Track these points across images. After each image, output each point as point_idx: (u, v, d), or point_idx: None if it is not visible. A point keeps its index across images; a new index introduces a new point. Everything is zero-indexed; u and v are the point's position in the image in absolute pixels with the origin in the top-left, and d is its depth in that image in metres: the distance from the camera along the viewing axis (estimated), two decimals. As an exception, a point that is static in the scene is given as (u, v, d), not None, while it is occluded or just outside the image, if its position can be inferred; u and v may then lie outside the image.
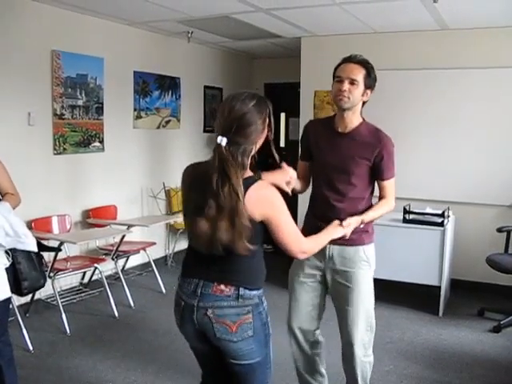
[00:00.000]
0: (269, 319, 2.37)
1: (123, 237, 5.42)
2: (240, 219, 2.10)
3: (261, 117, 2.20)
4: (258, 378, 2.37)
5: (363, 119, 3.13)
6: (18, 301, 4.41)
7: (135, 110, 6.45)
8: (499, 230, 5.27)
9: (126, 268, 6.20)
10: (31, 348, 4.30)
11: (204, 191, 2.16)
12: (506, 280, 5.49)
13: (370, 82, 3.01)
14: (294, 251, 2.34)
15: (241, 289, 2.25)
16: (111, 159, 6.06)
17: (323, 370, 3.39)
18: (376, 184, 3.16)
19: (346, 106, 2.98)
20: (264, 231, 2.25)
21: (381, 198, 3.10)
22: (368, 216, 2.94)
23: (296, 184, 2.96)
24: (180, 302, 2.34)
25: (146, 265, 6.24)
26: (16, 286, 3.04)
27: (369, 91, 3.04)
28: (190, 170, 2.32)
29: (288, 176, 2.76)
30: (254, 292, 2.29)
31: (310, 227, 2.84)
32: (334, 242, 2.83)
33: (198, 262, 2.32)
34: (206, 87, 7.78)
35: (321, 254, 2.94)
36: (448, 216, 5.26)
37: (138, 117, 6.50)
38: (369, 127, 3.11)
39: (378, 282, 5.36)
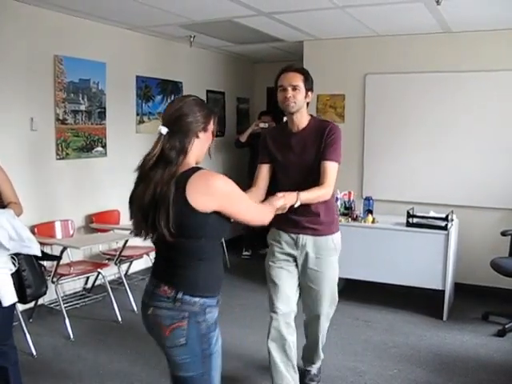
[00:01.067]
0: (213, 335, 2.30)
1: (126, 241, 5.41)
2: (166, 205, 2.10)
3: (200, 111, 2.28)
4: None
5: (311, 116, 3.48)
6: (21, 306, 4.39)
7: (138, 114, 6.45)
8: (503, 234, 5.24)
9: (129, 273, 6.19)
10: (35, 353, 4.30)
11: (146, 180, 2.21)
12: (510, 284, 5.46)
13: (309, 85, 3.35)
14: (259, 223, 2.45)
15: (179, 292, 2.22)
16: (114, 164, 6.06)
17: (296, 365, 3.55)
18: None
19: (293, 110, 3.32)
20: (217, 228, 2.25)
21: (319, 184, 3.27)
22: (303, 194, 3.07)
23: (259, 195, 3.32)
24: (142, 298, 2.38)
25: (149, 269, 6.16)
26: (20, 293, 3.06)
27: (310, 93, 3.37)
28: (140, 163, 2.31)
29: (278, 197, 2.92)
30: (196, 299, 2.23)
31: (277, 219, 2.99)
32: (305, 232, 3.41)
33: (158, 262, 2.40)
34: (208, 91, 7.78)
35: (293, 243, 3.46)
36: (452, 220, 5.24)
37: (141, 121, 6.50)
38: (315, 121, 3.47)
39: (381, 286, 5.39)
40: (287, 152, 3.41)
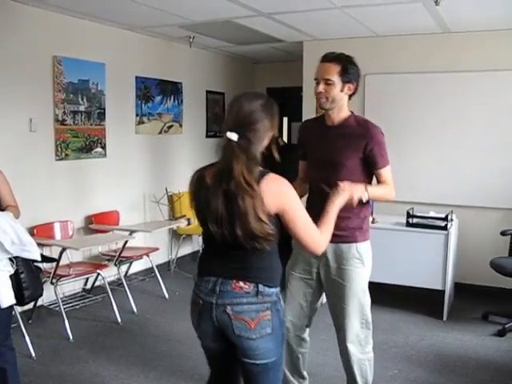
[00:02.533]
0: (284, 320, 2.41)
1: (126, 242, 5.41)
2: (257, 212, 2.14)
3: (267, 115, 2.26)
4: (271, 379, 2.38)
5: (352, 112, 3.17)
6: (20, 307, 4.40)
7: (137, 115, 6.45)
8: (503, 234, 5.24)
9: (128, 274, 6.19)
10: (34, 354, 4.29)
11: (218, 188, 2.20)
12: (510, 283, 5.46)
13: (349, 77, 2.99)
14: (310, 243, 2.34)
15: (260, 285, 2.27)
16: (113, 165, 6.06)
17: (305, 373, 3.46)
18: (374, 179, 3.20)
19: (326, 106, 3.05)
20: (278, 226, 2.27)
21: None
22: (372, 188, 2.93)
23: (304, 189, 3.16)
24: (198, 301, 2.35)
25: (149, 270, 6.22)
26: (18, 295, 3.06)
27: (350, 85, 3.02)
28: (200, 172, 2.34)
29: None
30: (273, 289, 2.31)
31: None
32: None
33: (216, 260, 2.35)
34: (208, 92, 7.78)
35: None
36: (451, 219, 5.24)
37: (140, 122, 6.50)
38: (357, 119, 3.16)
39: (381, 286, 5.38)
40: (319, 147, 3.15)
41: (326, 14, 5.25)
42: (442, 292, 5.15)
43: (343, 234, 3.03)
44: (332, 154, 3.08)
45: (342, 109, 3.09)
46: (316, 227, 2.37)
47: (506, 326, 4.83)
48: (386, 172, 3.11)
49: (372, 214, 5.43)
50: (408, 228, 5.26)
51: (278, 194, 2.21)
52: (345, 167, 3.05)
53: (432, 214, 5.30)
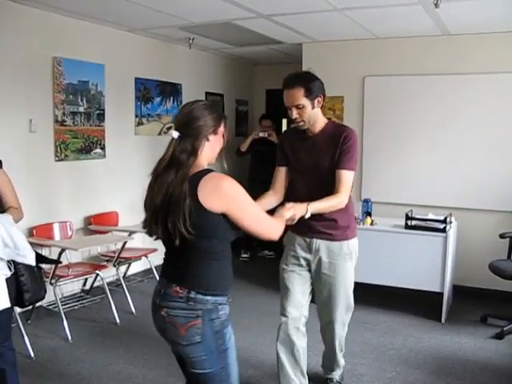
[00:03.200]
0: (226, 331, 2.36)
1: (125, 243, 5.41)
2: (181, 205, 2.16)
3: (209, 114, 2.33)
4: None
5: (329, 119, 3.38)
6: (19, 308, 4.39)
7: (136, 116, 6.45)
8: (502, 236, 5.25)
9: (127, 275, 6.19)
10: (32, 355, 4.29)
11: (159, 183, 2.27)
12: (508, 286, 5.47)
13: (315, 93, 3.18)
14: (265, 233, 2.41)
15: (192, 292, 2.27)
16: (113, 166, 6.06)
17: (305, 370, 3.54)
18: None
19: (305, 127, 3.27)
20: (228, 229, 2.28)
21: (334, 192, 3.19)
22: (313, 205, 3.00)
23: (273, 201, 3.30)
24: (152, 300, 2.41)
25: (148, 271, 6.22)
26: (18, 298, 3.06)
27: (318, 99, 3.22)
28: (154, 168, 2.37)
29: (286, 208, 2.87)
30: (209, 297, 2.28)
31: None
32: (319, 236, 3.33)
33: (168, 263, 2.42)
34: (207, 93, 7.78)
35: (307, 246, 3.39)
36: (450, 222, 5.24)
37: (140, 123, 6.50)
38: (334, 124, 3.39)
39: (379, 288, 5.39)
40: (300, 155, 3.34)
41: (326, 16, 5.25)
42: (441, 294, 5.15)
43: (334, 233, 3.33)
44: (313, 161, 3.29)
45: (318, 120, 3.29)
46: (267, 215, 2.45)
47: (505, 329, 4.83)
48: (344, 176, 3.21)
49: (370, 215, 5.45)
50: (407, 230, 5.25)
51: (218, 195, 2.20)
52: (326, 173, 3.23)
53: (431, 216, 5.30)
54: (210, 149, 2.36)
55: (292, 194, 3.32)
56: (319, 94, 3.20)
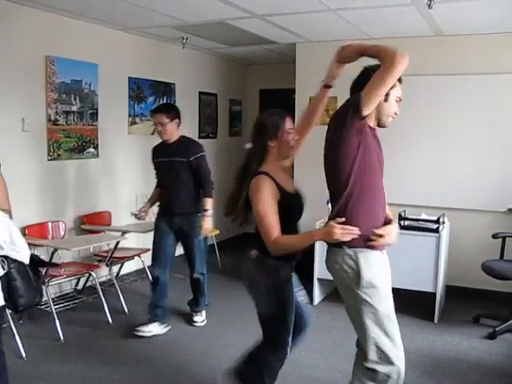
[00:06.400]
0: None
1: (118, 243, 5.39)
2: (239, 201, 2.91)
3: (269, 122, 3.02)
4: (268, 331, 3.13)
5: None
6: (14, 312, 4.37)
7: (130, 115, 6.44)
8: (494, 236, 5.26)
9: (120, 274, 6.17)
10: (24, 355, 4.27)
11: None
12: (501, 286, 5.49)
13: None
14: (265, 241, 2.80)
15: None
16: (106, 165, 6.05)
17: None
18: None
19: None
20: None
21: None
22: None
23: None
24: None
25: (141, 271, 6.21)
26: (12, 303, 3.01)
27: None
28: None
29: None
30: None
31: None
32: None
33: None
34: (200, 93, 7.78)
35: None
36: (443, 222, 5.25)
37: (133, 123, 6.49)
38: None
39: (373, 289, 5.38)
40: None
41: (320, 17, 5.26)
42: (434, 294, 5.16)
43: None
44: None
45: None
46: (276, 228, 2.77)
47: (497, 329, 4.84)
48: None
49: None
50: (400, 230, 5.23)
51: (250, 189, 2.85)
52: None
53: (424, 216, 5.31)
54: (276, 149, 2.98)
55: None
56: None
